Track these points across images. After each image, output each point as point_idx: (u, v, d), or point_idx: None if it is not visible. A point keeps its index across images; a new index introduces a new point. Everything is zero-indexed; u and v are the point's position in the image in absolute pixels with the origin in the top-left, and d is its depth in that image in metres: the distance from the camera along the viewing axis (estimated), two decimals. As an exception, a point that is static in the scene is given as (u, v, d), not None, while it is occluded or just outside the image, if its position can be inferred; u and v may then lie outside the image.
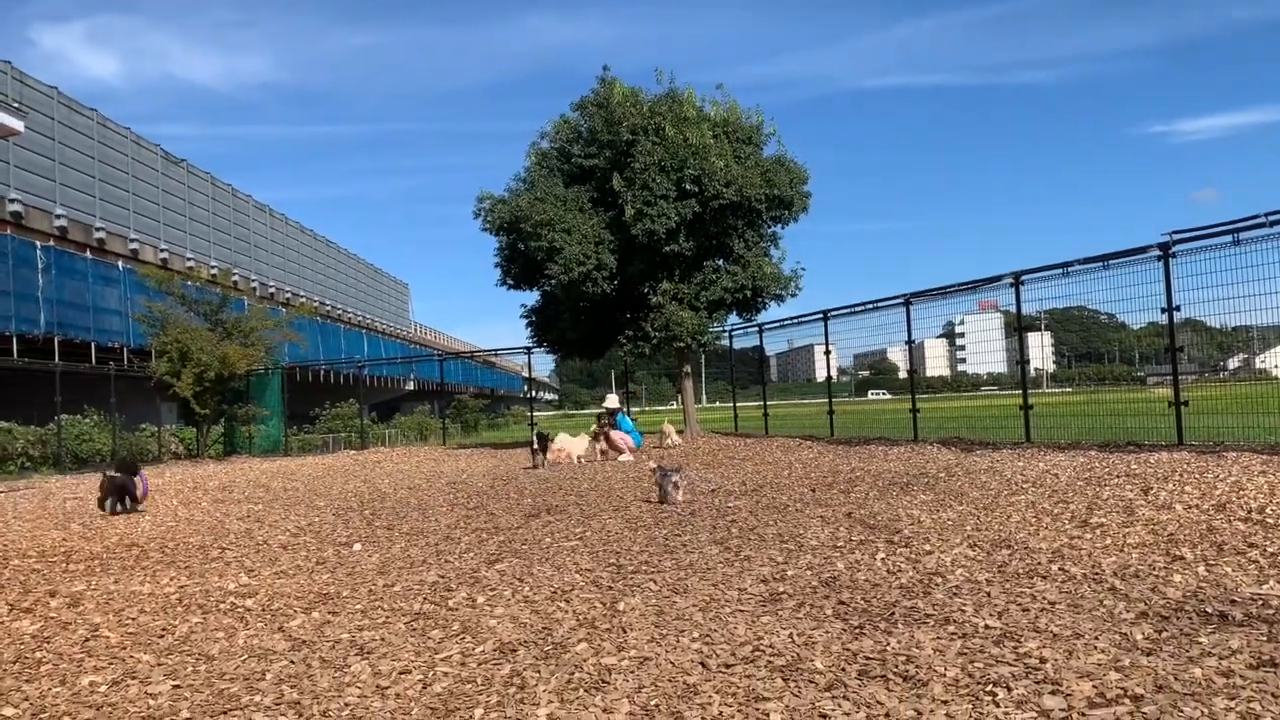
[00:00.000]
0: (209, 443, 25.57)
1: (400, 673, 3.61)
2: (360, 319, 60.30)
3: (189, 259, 37.55)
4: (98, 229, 31.79)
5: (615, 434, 15.78)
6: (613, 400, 17.71)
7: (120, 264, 31.57)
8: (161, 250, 35.97)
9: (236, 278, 38.11)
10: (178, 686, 3.61)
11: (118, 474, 10.32)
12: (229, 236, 43.61)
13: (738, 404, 23.06)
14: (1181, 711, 2.74)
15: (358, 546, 6.92)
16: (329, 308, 53.43)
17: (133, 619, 4.80)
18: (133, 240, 33.98)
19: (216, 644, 4.23)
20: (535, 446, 14.61)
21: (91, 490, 13.15)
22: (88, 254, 30.20)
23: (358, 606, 4.84)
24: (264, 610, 4.89)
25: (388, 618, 4.56)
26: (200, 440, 25.55)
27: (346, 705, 3.29)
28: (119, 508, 9.96)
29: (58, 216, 29.57)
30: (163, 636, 4.42)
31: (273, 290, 45.54)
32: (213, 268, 32.84)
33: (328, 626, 4.45)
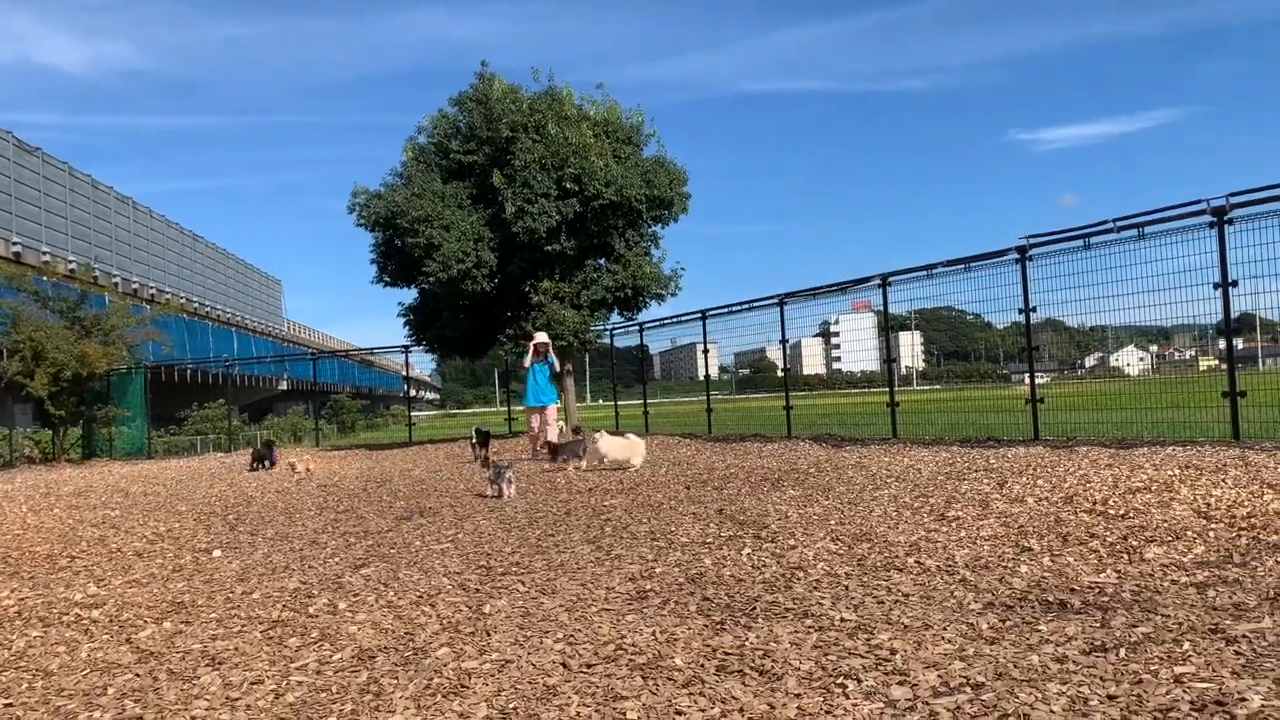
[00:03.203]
0: (66, 446, 24.32)
1: (252, 683, 3.50)
2: (230, 316, 58.14)
3: (45, 253, 35.62)
4: (-58, 220, 29.92)
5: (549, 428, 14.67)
6: (542, 335, 15.66)
7: (-32, 257, 29.78)
8: (14, 244, 34.02)
9: (97, 273, 36.21)
10: (9, 705, 3.42)
11: (261, 447, 16.29)
12: (89, 230, 41.44)
13: (620, 402, 23.13)
14: (1017, 697, 2.86)
15: (217, 553, 6.69)
16: (196, 304, 51.38)
17: (-35, 635, 4.53)
18: (-18, 233, 32.09)
19: (57, 658, 4.03)
20: (474, 441, 14.41)
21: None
22: (-70, 246, 28.41)
23: (213, 615, 4.67)
24: (111, 621, 4.68)
25: (243, 626, 4.41)
26: (56, 443, 24.29)
27: (193, 718, 3.17)
28: (261, 468, 15.17)
29: (-104, 206, 27.74)
30: (-3, 652, 4.18)
31: (136, 286, 43.48)
32: (71, 262, 31.22)
33: (179, 637, 4.28)
